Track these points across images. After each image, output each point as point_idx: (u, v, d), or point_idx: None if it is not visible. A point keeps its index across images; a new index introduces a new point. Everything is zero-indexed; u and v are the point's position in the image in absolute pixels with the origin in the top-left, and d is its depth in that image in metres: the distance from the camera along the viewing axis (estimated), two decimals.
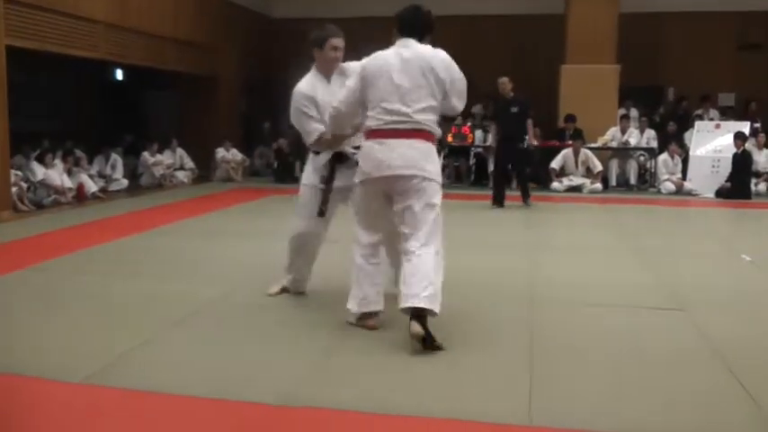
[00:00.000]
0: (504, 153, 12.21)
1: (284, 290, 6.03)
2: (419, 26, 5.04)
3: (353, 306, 5.13)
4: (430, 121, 4.90)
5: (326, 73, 5.55)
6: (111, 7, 12.85)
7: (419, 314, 4.62)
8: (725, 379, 4.27)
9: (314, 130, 5.43)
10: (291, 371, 4.32)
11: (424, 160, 4.87)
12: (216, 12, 16.56)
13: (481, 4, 18.10)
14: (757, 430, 3.63)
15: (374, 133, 4.90)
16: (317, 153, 5.64)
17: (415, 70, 4.88)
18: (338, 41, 5.53)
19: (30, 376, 4.20)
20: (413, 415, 3.70)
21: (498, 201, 12.03)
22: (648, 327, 5.33)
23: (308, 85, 5.52)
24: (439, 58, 4.94)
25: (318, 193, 5.59)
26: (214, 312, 5.59)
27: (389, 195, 4.99)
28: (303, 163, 15.44)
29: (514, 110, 11.88)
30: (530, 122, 12.20)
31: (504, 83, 11.98)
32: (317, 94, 5.44)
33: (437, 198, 4.90)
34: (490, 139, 14.99)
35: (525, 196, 12.22)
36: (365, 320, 5.13)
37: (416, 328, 4.59)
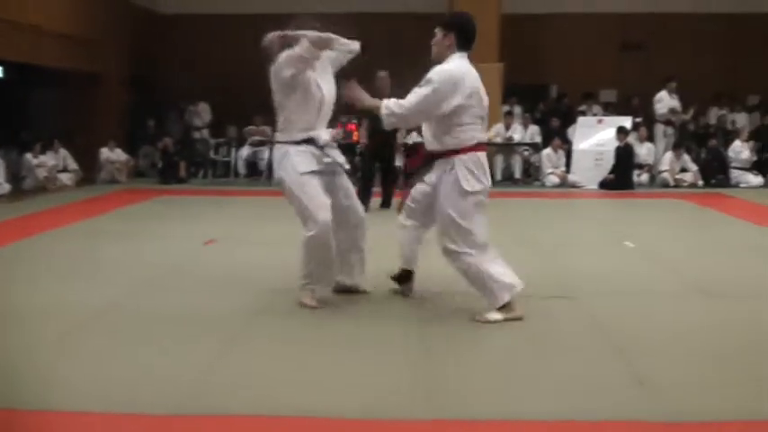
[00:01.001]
0: (376, 152, 11.41)
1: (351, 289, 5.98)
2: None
3: (506, 296, 5.24)
4: None
5: None
6: None
7: None
8: (614, 363, 4.42)
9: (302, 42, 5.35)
10: (184, 378, 4.22)
11: None
12: (96, 5, 16.00)
13: (363, 3, 18.13)
14: (646, 411, 3.74)
15: (481, 147, 5.34)
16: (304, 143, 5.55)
17: (482, 91, 5.42)
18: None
19: None
20: (302, 415, 3.70)
21: (365, 203, 10.37)
22: (540, 315, 5.43)
23: None
24: None
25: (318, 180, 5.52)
26: (104, 321, 5.42)
27: None
28: (189, 162, 14.94)
29: None
30: None
31: (384, 78, 11.05)
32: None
33: None
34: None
35: (387, 199, 11.40)
36: (513, 310, 5.28)
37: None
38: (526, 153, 16.23)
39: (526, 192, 14.22)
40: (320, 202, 5.41)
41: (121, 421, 3.67)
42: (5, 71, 16.92)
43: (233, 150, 17.04)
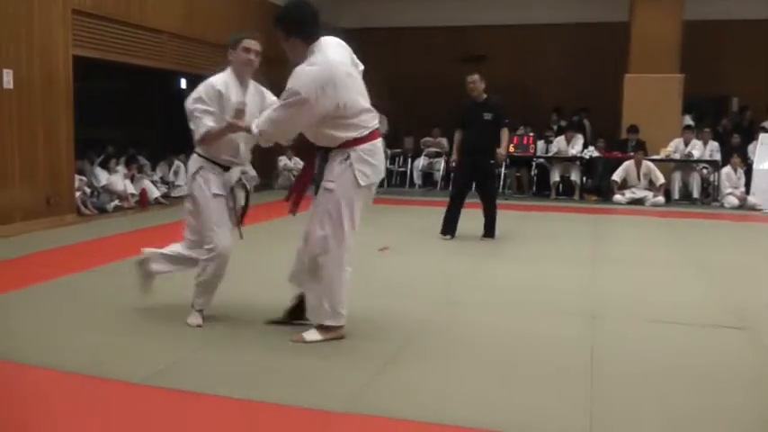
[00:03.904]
0: (468, 169, 9.68)
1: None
2: None
3: (339, 321, 5.02)
4: None
5: (240, 76, 5.27)
6: (176, 18, 13.05)
7: None
8: None
9: (204, 125, 5.16)
10: (352, 381, 4.31)
11: None
12: (250, 12, 16.24)
13: (543, 13, 17.91)
14: None
15: (366, 138, 4.88)
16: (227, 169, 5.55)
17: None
18: (253, 44, 5.22)
19: (90, 375, 4.29)
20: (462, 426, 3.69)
21: (450, 229, 9.72)
22: (710, 346, 5.21)
23: (220, 80, 5.22)
24: None
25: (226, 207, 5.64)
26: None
27: None
28: None
29: (488, 116, 9.50)
30: (505, 132, 9.72)
31: (475, 81, 9.55)
32: (231, 94, 5.16)
33: None
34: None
35: (490, 227, 9.75)
36: (340, 331, 5.05)
37: None
38: (705, 171, 15.63)
39: (704, 212, 13.63)
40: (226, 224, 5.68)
41: (296, 414, 3.82)
42: (189, 83, 17.68)
43: (409, 161, 17.31)
